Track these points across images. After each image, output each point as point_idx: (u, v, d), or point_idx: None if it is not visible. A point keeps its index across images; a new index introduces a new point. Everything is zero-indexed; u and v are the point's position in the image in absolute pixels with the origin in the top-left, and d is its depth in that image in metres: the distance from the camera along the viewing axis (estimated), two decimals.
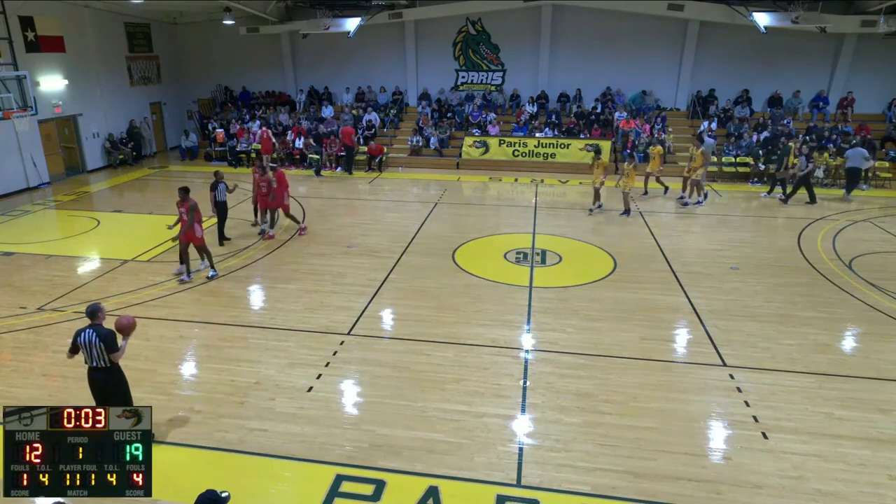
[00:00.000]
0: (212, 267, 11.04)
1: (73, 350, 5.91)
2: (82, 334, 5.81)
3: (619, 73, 22.47)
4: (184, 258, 10.75)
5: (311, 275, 11.17)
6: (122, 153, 21.42)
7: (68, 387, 7.36)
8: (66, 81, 19.20)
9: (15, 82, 14.67)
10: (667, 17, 20.78)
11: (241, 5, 20.35)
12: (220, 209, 12.53)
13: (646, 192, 17.25)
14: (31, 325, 9.06)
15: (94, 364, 5.86)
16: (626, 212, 15.09)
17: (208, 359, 8.20)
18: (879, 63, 20.61)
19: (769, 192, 17.26)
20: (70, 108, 19.52)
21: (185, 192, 10.52)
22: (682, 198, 16.56)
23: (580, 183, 18.93)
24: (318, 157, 20.44)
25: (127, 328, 5.97)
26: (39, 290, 10.39)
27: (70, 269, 11.54)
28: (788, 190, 16.65)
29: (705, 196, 16.49)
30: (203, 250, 10.90)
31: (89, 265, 11.72)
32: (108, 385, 5.94)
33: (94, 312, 5.95)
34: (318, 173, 20.18)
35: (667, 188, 17.26)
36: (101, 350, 5.78)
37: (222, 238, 12.77)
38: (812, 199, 16.33)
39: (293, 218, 13.50)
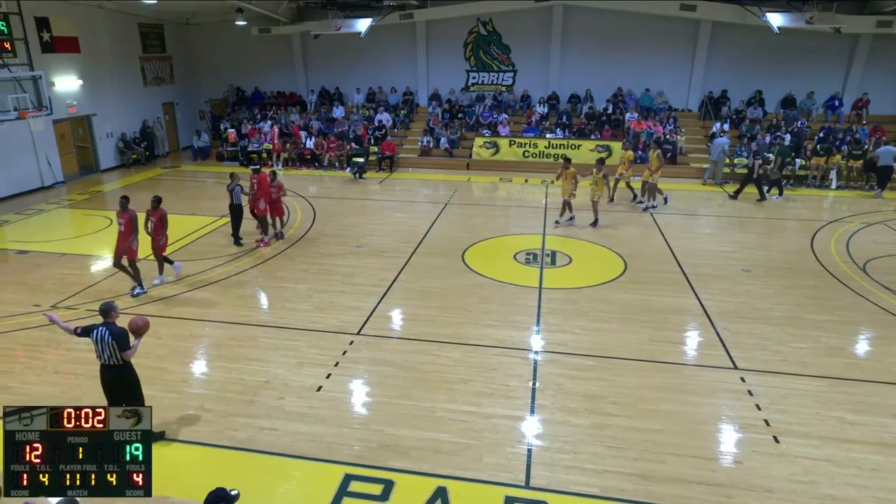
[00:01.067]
0: (140, 284, 10.27)
1: (84, 333, 5.93)
2: (95, 331, 5.88)
3: (631, 73, 22.36)
4: (132, 272, 10.16)
5: (321, 274, 11.21)
6: (135, 153, 21.60)
7: (80, 384, 7.44)
8: (80, 82, 19.40)
9: (30, 82, 14.81)
10: (679, 17, 20.64)
11: (253, 6, 20.46)
12: (236, 211, 12.56)
13: (611, 197, 16.69)
14: (44, 323, 9.13)
15: (107, 361, 5.93)
16: (595, 222, 14.20)
17: (219, 357, 8.25)
18: (894, 64, 20.36)
19: (779, 194, 17.15)
20: (84, 108, 19.73)
21: (126, 200, 9.96)
22: (640, 202, 16.29)
23: (590, 184, 18.79)
24: (361, 159, 19.99)
25: (140, 328, 6.04)
26: (52, 289, 10.51)
27: (83, 267, 11.67)
28: (773, 190, 17.11)
29: (665, 200, 16.21)
30: (132, 267, 10.12)
31: (102, 264, 11.83)
32: (120, 382, 6.00)
33: (107, 311, 6.02)
34: (361, 175, 19.76)
35: (635, 196, 16.62)
36: (113, 348, 5.84)
37: (237, 240, 12.81)
38: (762, 197, 16.90)
39: (263, 224, 12.95)
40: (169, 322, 9.23)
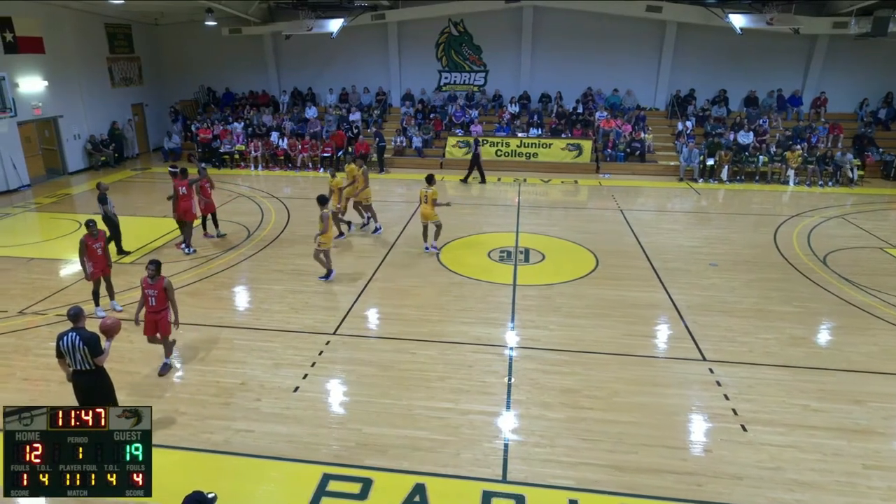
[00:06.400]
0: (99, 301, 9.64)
1: (60, 354, 5.87)
2: (65, 338, 5.80)
3: (600, 73, 22.72)
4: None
5: (296, 275, 11.18)
6: (103, 155, 21.21)
7: (51, 390, 7.32)
8: (45, 83, 18.96)
9: None
10: (646, 18, 21.04)
11: (223, 6, 20.23)
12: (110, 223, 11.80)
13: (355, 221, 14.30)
14: (11, 329, 8.97)
15: (79, 367, 5.85)
16: (326, 275, 10.93)
17: (193, 360, 8.19)
18: (851, 63, 21.08)
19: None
20: (50, 109, 19.29)
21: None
22: (364, 225, 14.18)
23: (562, 182, 19.13)
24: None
25: (111, 330, 5.98)
26: (20, 294, 10.29)
27: (52, 271, 11.43)
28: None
29: (351, 225, 13.97)
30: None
31: (71, 268, 11.59)
32: (95, 388, 5.93)
33: (76, 316, 5.94)
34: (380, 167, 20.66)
35: (350, 223, 13.95)
36: (84, 353, 5.77)
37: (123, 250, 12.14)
38: (482, 180, 19.18)
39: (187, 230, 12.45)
40: (141, 326, 9.07)
